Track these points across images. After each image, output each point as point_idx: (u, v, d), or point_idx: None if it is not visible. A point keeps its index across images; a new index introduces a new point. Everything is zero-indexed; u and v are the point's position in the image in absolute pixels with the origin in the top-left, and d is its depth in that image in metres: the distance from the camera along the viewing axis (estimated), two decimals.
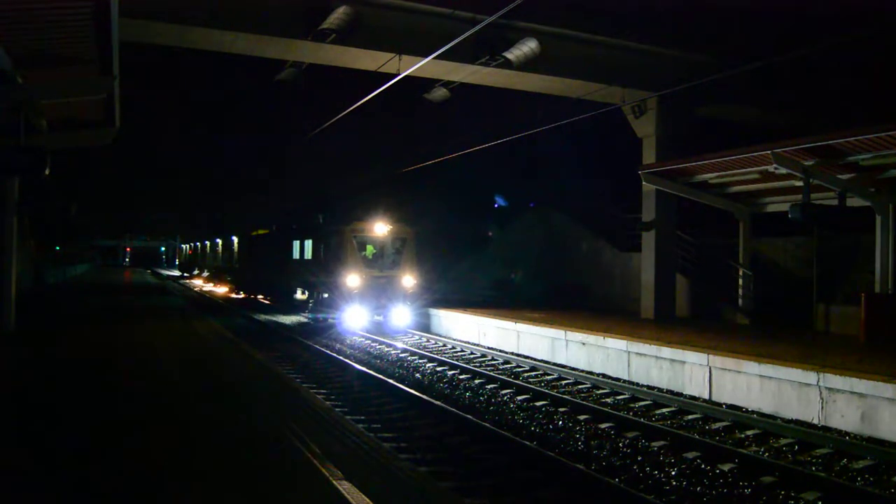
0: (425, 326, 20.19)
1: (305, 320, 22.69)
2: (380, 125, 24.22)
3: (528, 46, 14.70)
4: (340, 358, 14.40)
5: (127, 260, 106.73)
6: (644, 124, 18.48)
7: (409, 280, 19.76)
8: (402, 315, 19.46)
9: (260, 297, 31.61)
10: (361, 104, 15.29)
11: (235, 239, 39.50)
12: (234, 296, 35.63)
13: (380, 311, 19.55)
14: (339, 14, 13.43)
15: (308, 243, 23.09)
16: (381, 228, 19.92)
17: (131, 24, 12.12)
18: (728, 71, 13.22)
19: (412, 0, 14.54)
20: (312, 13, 13.77)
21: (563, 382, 12.43)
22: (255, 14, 13.78)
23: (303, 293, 24.07)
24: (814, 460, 7.79)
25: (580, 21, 15.74)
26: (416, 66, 13.24)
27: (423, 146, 24.27)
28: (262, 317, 23.67)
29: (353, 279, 18.98)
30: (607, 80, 16.84)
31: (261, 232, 33.06)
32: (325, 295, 21.07)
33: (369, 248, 20.18)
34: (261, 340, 16.99)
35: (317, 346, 16.18)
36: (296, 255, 24.46)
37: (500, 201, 34.09)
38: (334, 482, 4.95)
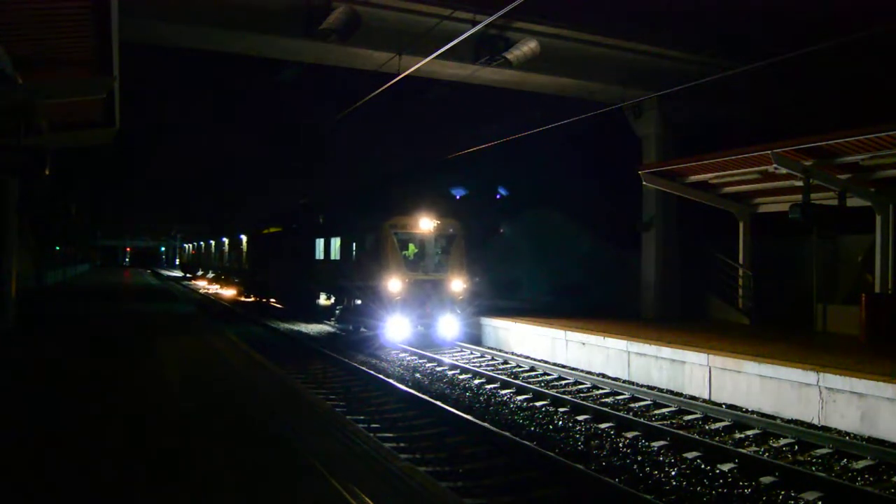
0: (475, 338, 17.58)
1: (334, 330, 19.95)
2: (399, 114, 23.50)
3: (528, 46, 14.72)
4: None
5: (127, 260, 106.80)
6: (644, 124, 18.50)
7: (458, 284, 16.98)
8: (450, 325, 16.79)
9: (272, 301, 28.82)
10: (364, 102, 15.29)
11: (244, 237, 36.79)
12: (243, 299, 33.61)
13: (424, 321, 16.83)
14: (339, 14, 13.47)
15: (335, 241, 20.27)
16: (426, 224, 17.03)
17: (131, 24, 12.12)
18: (728, 71, 13.22)
19: (412, 0, 14.56)
20: (313, 13, 13.80)
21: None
22: (255, 14, 13.80)
23: (327, 298, 21.38)
24: (814, 460, 7.79)
25: (580, 21, 15.75)
26: (416, 66, 13.25)
27: (428, 142, 24.15)
28: (283, 326, 21.07)
29: (393, 283, 16.22)
30: (607, 80, 16.87)
31: (273, 229, 30.26)
32: (358, 301, 18.09)
33: (411, 247, 17.51)
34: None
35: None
36: (319, 254, 21.61)
37: (458, 193, 32.91)
38: None
